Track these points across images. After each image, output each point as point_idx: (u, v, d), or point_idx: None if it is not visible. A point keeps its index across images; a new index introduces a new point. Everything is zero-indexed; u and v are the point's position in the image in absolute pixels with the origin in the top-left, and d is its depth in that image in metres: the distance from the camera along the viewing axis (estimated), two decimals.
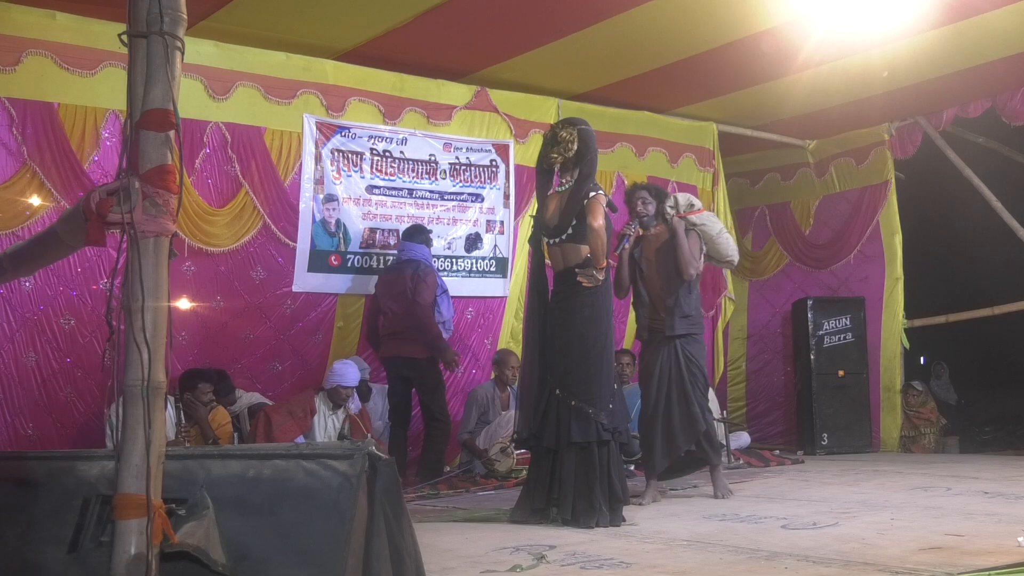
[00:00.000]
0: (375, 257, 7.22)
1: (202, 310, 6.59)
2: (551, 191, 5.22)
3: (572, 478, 4.92)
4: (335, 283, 7.15)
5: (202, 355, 6.65)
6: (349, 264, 7.17)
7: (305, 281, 6.97)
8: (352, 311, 7.29)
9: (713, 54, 7.19)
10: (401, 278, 6.79)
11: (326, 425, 6.57)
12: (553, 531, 4.80)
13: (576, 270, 5.05)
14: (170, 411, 5.90)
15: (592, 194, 4.98)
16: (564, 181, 5.16)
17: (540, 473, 5.07)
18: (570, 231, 5.04)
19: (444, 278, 7.51)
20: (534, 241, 5.34)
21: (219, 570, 2.15)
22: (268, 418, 6.32)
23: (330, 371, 6.63)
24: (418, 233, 7.04)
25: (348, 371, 6.58)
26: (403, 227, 7.24)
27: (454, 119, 7.57)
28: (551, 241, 5.14)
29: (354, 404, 6.77)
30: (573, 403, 4.94)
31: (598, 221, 4.92)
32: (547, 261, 5.32)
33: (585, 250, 5.01)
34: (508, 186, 7.89)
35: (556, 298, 5.15)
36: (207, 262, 6.56)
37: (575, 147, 5.08)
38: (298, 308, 7.01)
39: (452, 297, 7.61)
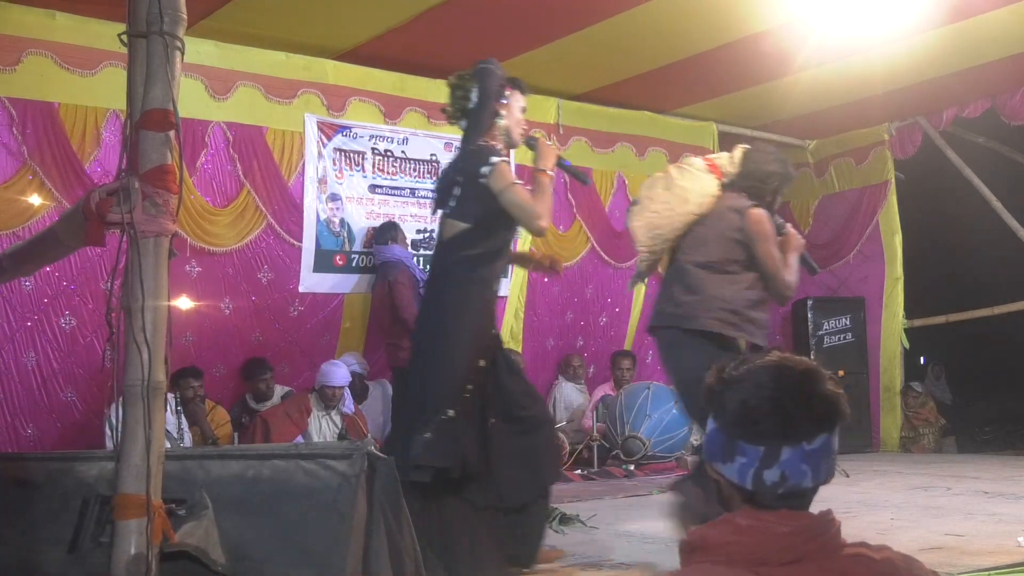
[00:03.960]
0: (374, 259, 7.20)
1: (210, 311, 6.59)
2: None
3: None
4: (341, 283, 7.15)
5: (211, 356, 6.65)
6: (354, 264, 7.17)
7: (311, 281, 6.97)
8: (358, 311, 7.29)
9: (713, 54, 7.18)
10: (383, 287, 6.84)
11: (320, 426, 6.57)
12: (553, 532, 4.79)
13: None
14: (170, 417, 5.87)
15: (487, 168, 3.67)
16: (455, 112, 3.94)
17: None
18: (452, 203, 3.82)
19: None
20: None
21: (218, 570, 2.15)
22: (265, 422, 6.31)
23: (318, 373, 6.61)
24: (383, 233, 7.01)
25: (334, 371, 6.58)
26: (403, 226, 7.24)
27: None
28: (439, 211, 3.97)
29: (347, 405, 6.77)
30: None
31: (505, 190, 3.65)
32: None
33: (456, 227, 3.82)
34: None
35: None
36: (213, 263, 6.56)
37: (474, 97, 3.82)
38: (305, 309, 7.01)
39: None
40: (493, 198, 3.65)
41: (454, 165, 3.89)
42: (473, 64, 3.87)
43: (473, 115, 3.82)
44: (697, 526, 1.56)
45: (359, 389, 7.25)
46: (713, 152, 9.06)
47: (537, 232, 3.83)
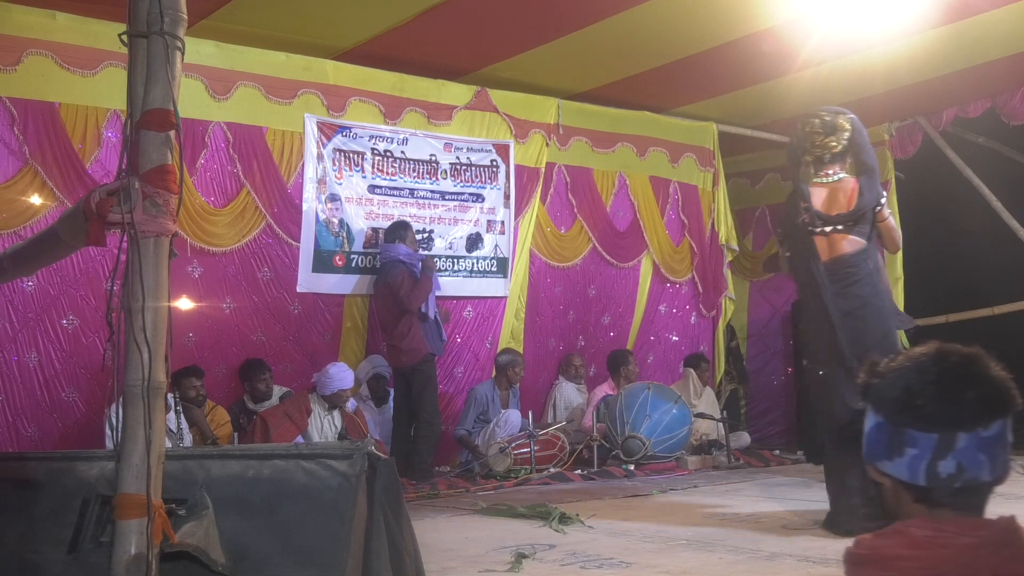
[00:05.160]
0: (379, 257, 7.21)
1: (211, 311, 6.59)
2: (816, 180, 4.98)
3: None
4: (341, 283, 7.16)
5: (213, 356, 6.66)
6: (353, 264, 7.17)
7: (310, 282, 6.97)
8: (360, 311, 7.30)
9: (713, 53, 7.19)
10: (386, 287, 6.91)
11: (321, 426, 6.57)
12: (554, 531, 4.79)
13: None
14: (170, 416, 5.87)
15: (884, 199, 4.98)
16: (831, 171, 4.98)
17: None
18: (851, 223, 4.86)
19: (446, 278, 7.53)
20: (790, 230, 5.08)
21: (219, 570, 2.15)
22: (264, 422, 6.31)
23: (326, 376, 6.55)
24: (391, 232, 7.06)
25: (346, 375, 6.60)
26: None
27: (454, 119, 7.57)
28: (824, 229, 4.87)
29: (349, 403, 6.78)
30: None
31: (888, 218, 5.01)
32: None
33: (858, 242, 4.86)
34: (508, 186, 7.89)
35: (834, 286, 4.85)
36: (214, 263, 6.57)
37: (849, 136, 4.94)
38: (306, 309, 7.02)
39: (453, 298, 7.64)
40: (875, 223, 4.93)
41: (865, 195, 4.90)
42: (837, 109, 5.12)
43: (856, 155, 5.01)
44: (865, 534, 1.43)
45: (382, 392, 7.26)
46: (713, 152, 9.10)
47: (896, 250, 5.75)
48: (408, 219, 7.27)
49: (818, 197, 4.92)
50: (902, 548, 1.34)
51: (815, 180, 5.00)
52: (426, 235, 7.48)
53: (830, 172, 4.99)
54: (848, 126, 4.95)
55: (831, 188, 4.95)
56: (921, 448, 1.36)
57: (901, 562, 1.33)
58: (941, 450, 1.35)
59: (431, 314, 7.00)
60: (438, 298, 7.23)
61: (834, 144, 4.95)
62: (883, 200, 4.92)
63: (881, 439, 1.41)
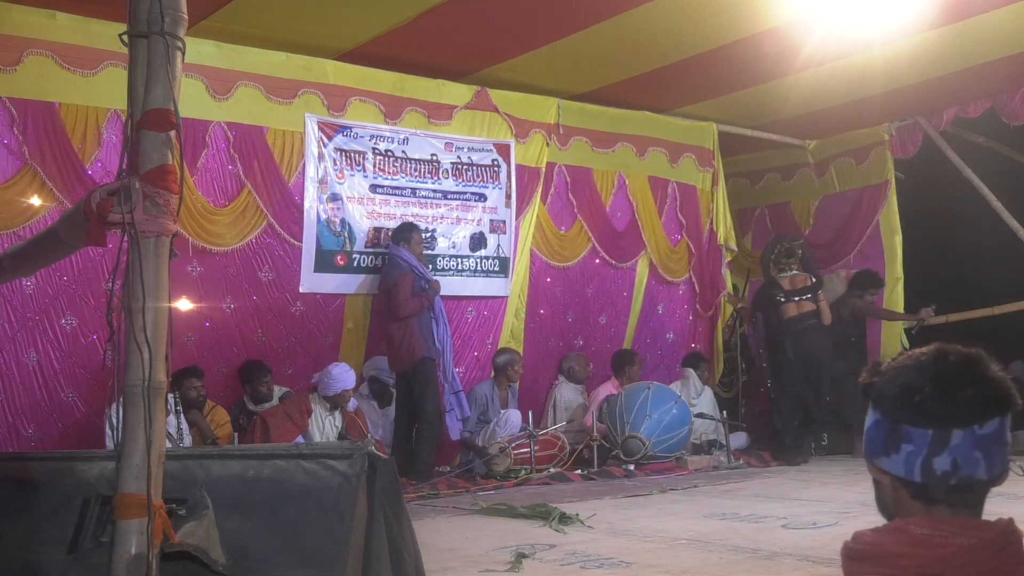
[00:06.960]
0: (381, 257, 7.20)
1: (212, 311, 6.59)
2: (780, 275, 8.27)
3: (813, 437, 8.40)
4: (342, 283, 7.15)
5: (214, 356, 6.66)
6: (355, 264, 7.17)
7: (312, 282, 6.96)
8: (361, 312, 7.29)
9: (713, 54, 7.19)
10: (383, 286, 6.95)
11: (323, 426, 6.56)
12: (554, 531, 4.80)
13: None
14: (170, 417, 5.86)
15: (821, 290, 8.38)
16: (791, 267, 8.30)
17: (806, 438, 8.29)
18: (809, 295, 8.22)
19: (451, 278, 7.52)
20: (770, 301, 8.37)
21: (219, 570, 2.15)
22: (264, 422, 6.30)
23: (328, 377, 6.53)
24: (397, 233, 7.09)
25: (348, 375, 6.59)
26: None
27: (454, 119, 7.57)
28: (793, 299, 8.18)
29: (350, 403, 6.78)
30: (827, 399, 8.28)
31: (822, 300, 8.30)
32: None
33: (810, 306, 8.21)
34: (510, 186, 7.88)
35: (801, 331, 8.12)
36: (214, 263, 6.56)
37: (800, 257, 8.34)
38: (307, 309, 7.01)
39: (456, 297, 7.64)
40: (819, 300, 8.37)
41: (815, 281, 8.38)
42: (794, 238, 8.67)
43: (806, 264, 8.36)
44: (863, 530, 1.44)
45: (384, 393, 7.26)
46: (713, 152, 9.10)
47: (828, 322, 8.34)
48: (414, 219, 7.27)
49: (785, 283, 8.27)
50: (901, 546, 1.35)
51: (780, 275, 8.30)
52: (429, 234, 7.48)
53: (787, 271, 8.33)
54: (799, 252, 8.34)
55: (791, 278, 8.27)
56: (916, 444, 1.37)
57: (900, 560, 1.34)
58: (936, 447, 1.36)
59: (439, 318, 7.00)
60: (440, 297, 7.24)
61: (793, 262, 8.29)
62: (821, 290, 8.34)
63: (879, 435, 1.42)
